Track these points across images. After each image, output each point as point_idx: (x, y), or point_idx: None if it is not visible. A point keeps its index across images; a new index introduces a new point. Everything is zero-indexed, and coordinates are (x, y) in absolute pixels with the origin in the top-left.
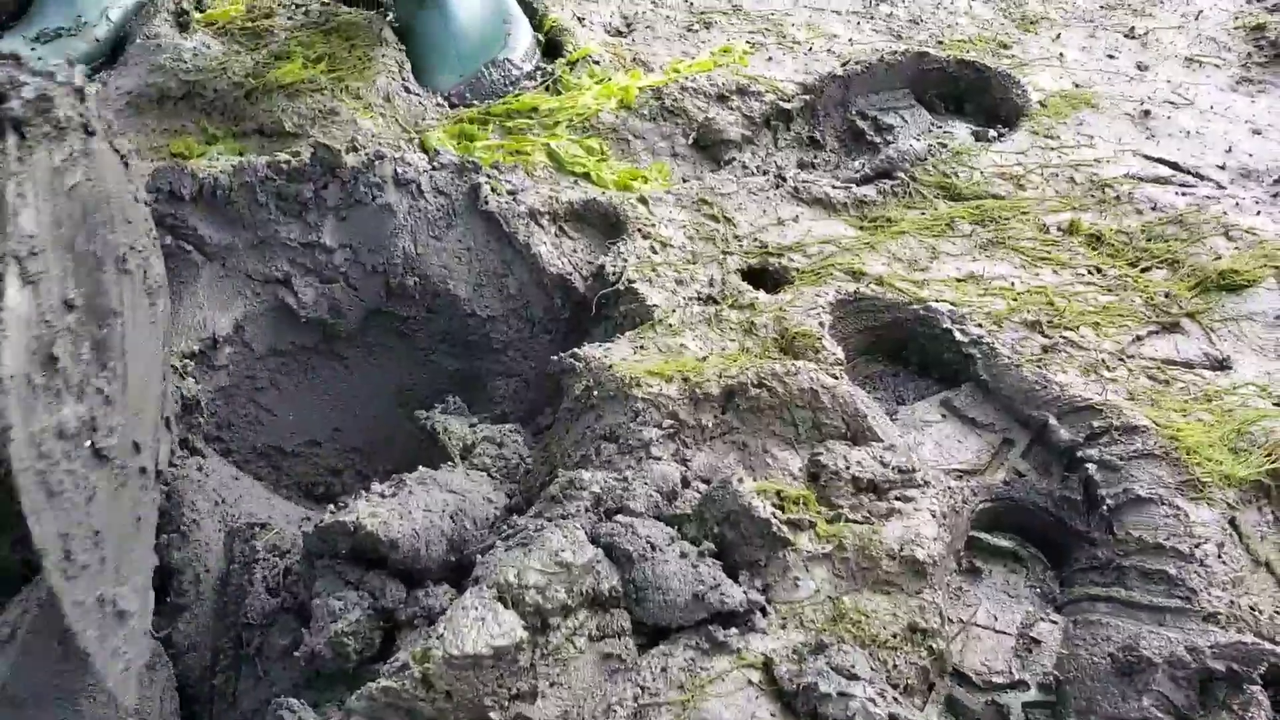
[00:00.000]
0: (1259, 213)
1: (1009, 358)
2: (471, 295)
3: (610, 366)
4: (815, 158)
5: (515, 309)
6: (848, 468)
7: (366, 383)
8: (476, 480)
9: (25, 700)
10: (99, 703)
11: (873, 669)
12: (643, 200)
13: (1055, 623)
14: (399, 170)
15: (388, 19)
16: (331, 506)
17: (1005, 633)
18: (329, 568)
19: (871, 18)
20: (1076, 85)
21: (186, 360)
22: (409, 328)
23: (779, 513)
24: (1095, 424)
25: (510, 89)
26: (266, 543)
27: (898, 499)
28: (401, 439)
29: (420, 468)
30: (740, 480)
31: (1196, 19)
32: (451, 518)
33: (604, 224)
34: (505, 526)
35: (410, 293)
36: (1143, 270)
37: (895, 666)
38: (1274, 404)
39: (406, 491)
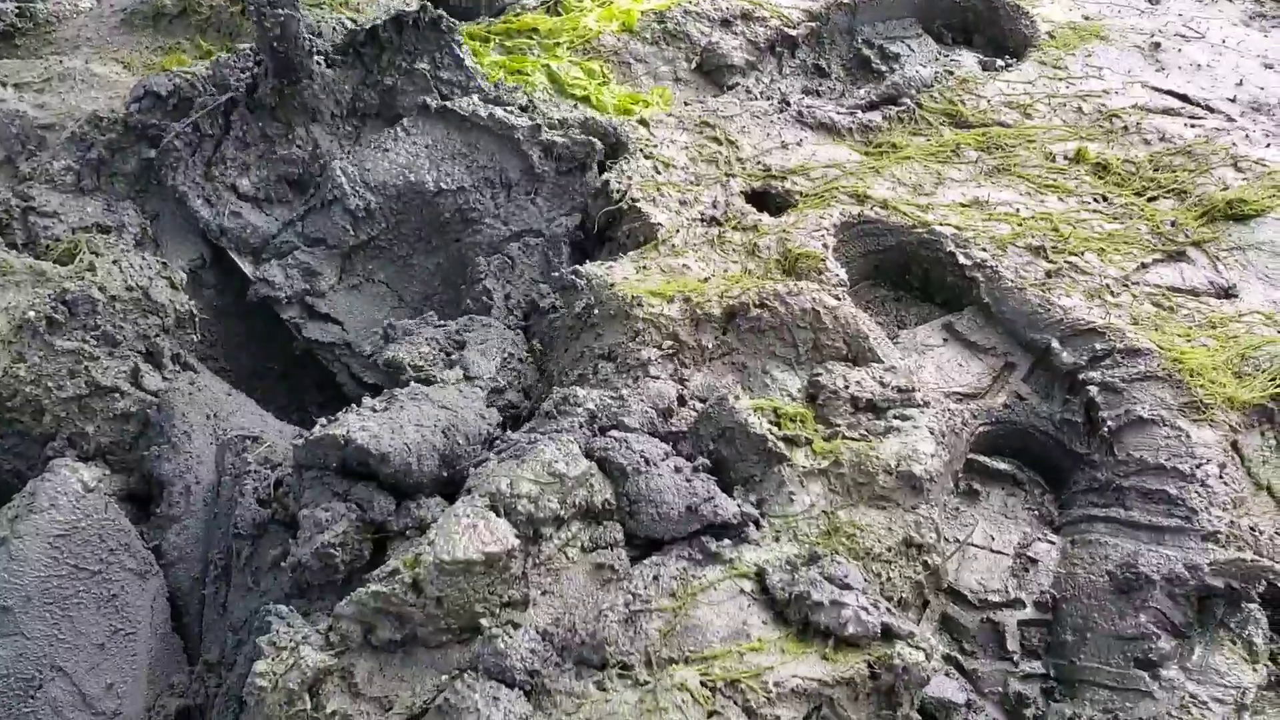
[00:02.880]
0: (1269, 145)
1: (1012, 281)
2: (437, 175)
3: (612, 285)
4: (820, 85)
5: (487, 177)
6: (846, 387)
7: (355, 307)
8: (469, 397)
9: (12, 607)
10: (89, 609)
11: (866, 581)
12: (643, 123)
13: (1053, 543)
14: None
15: None
16: (322, 420)
17: (1002, 553)
18: (318, 479)
19: None
20: (1086, 18)
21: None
22: (381, 242)
23: (775, 429)
24: (1098, 347)
25: None
26: (258, 455)
27: (896, 418)
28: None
29: (413, 383)
30: (737, 397)
31: None
32: (444, 433)
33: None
34: (499, 442)
35: (374, 212)
36: (1149, 199)
37: (889, 580)
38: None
39: (398, 406)
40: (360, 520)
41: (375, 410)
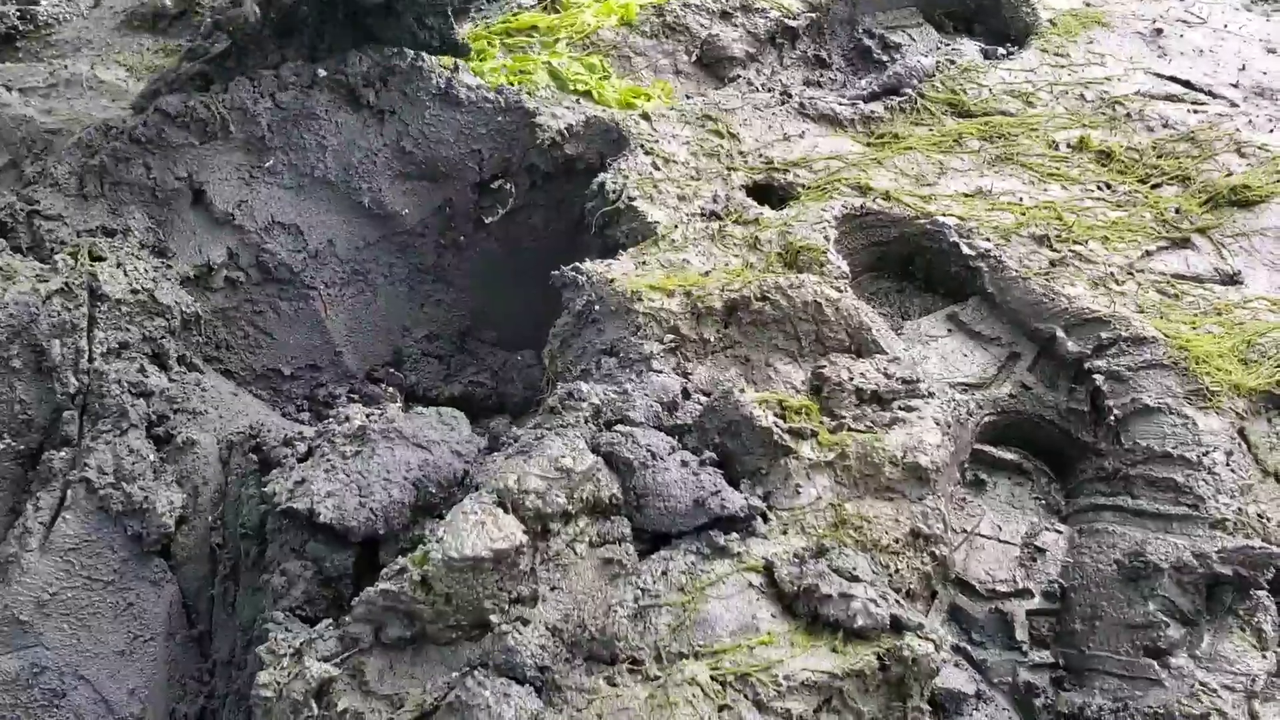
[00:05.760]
0: (1272, 130)
1: (1016, 271)
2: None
3: (612, 281)
4: (821, 76)
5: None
6: (851, 379)
7: (366, 309)
8: (450, 423)
9: (30, 620)
10: (107, 618)
11: (874, 572)
12: (645, 117)
13: (1060, 533)
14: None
15: None
16: (297, 464)
17: (1009, 543)
18: (277, 531)
19: None
20: (1087, 4)
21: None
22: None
23: (781, 422)
24: (1104, 335)
25: None
26: (263, 455)
27: (901, 409)
28: (404, 365)
29: (395, 406)
30: (742, 390)
31: None
32: (415, 485)
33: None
34: (504, 439)
35: (371, 210)
36: (1153, 186)
37: (898, 571)
38: None
39: (370, 450)
40: (318, 577)
41: (345, 457)
